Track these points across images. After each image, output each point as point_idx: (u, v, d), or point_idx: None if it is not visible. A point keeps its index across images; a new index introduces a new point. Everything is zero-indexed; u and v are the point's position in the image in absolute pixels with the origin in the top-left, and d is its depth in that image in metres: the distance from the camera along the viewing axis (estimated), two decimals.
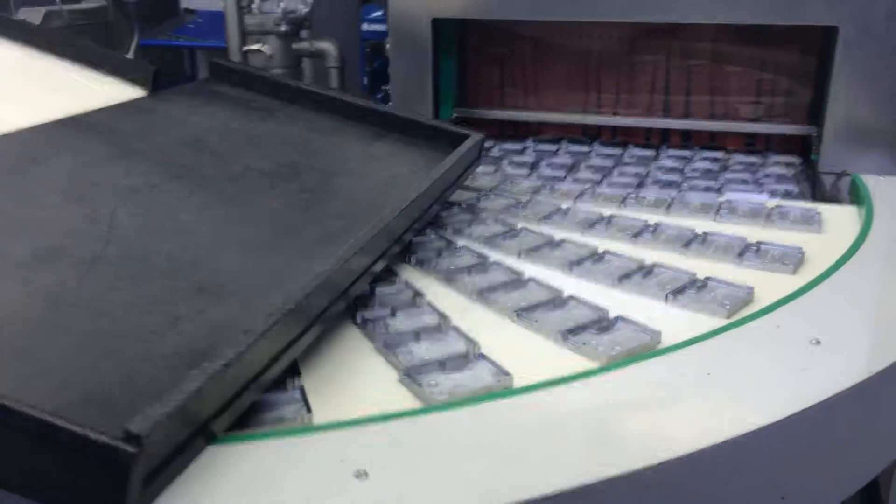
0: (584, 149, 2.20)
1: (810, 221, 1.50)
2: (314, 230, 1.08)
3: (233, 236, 1.05)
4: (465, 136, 1.52)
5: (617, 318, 1.13)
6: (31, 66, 1.40)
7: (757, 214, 1.55)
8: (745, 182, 1.87)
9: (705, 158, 2.10)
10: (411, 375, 0.97)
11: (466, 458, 0.82)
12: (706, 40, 2.12)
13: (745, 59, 2.11)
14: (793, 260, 1.32)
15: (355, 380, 0.99)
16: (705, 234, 1.45)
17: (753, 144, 2.17)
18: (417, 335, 1.07)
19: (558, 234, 1.45)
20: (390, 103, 2.09)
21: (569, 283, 1.26)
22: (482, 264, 1.32)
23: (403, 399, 0.95)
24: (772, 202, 1.62)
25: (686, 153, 2.14)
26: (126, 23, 1.89)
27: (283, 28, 2.89)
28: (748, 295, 1.20)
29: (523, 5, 1.95)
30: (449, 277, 1.26)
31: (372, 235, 1.02)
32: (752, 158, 2.08)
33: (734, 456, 0.87)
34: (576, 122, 2.27)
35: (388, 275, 1.23)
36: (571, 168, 2.01)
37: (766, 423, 0.88)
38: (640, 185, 1.83)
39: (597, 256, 1.36)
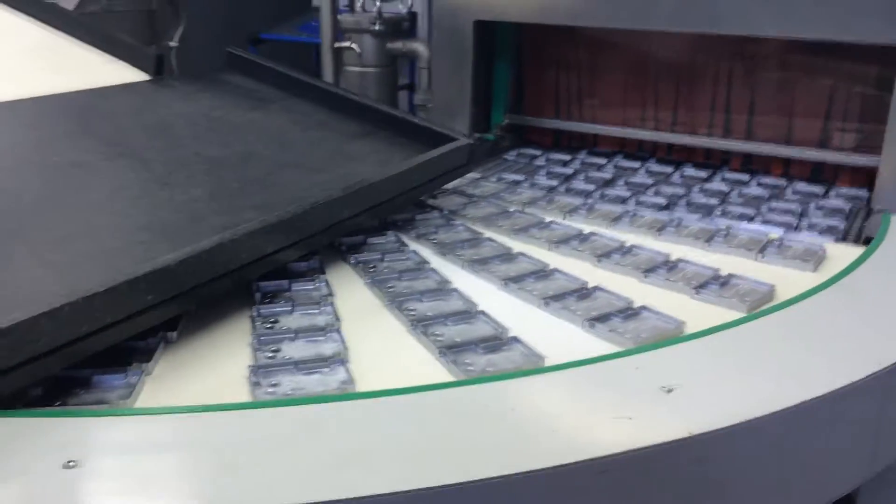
0: (635, 164, 2.09)
1: (805, 258, 1.35)
2: (220, 219, 1.09)
3: (131, 218, 1.09)
4: (452, 139, 1.48)
5: (512, 339, 1.07)
6: (48, 47, 1.51)
7: (753, 245, 1.41)
8: (789, 213, 1.71)
9: (761, 184, 1.93)
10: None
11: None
12: (774, 56, 1.95)
13: (817, 78, 1.92)
14: (753, 297, 1.20)
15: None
16: (678, 260, 1.34)
17: (820, 173, 1.96)
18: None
19: (519, 248, 1.39)
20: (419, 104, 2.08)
21: (493, 298, 1.22)
22: (418, 269, 1.29)
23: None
24: (775, 234, 1.47)
25: (743, 177, 1.98)
26: (172, 10, 1.99)
27: (377, 27, 2.95)
28: (678, 328, 1.11)
29: (565, 10, 1.88)
30: (373, 280, 1.25)
31: (251, 230, 1.02)
32: (814, 188, 1.89)
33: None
34: (629, 136, 2.16)
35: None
36: (607, 183, 1.91)
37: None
38: (668, 207, 1.72)
39: (541, 273, 1.29)
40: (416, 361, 1.04)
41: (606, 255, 1.37)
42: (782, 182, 1.93)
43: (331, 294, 1.18)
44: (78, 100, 1.34)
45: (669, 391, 0.91)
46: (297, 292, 1.18)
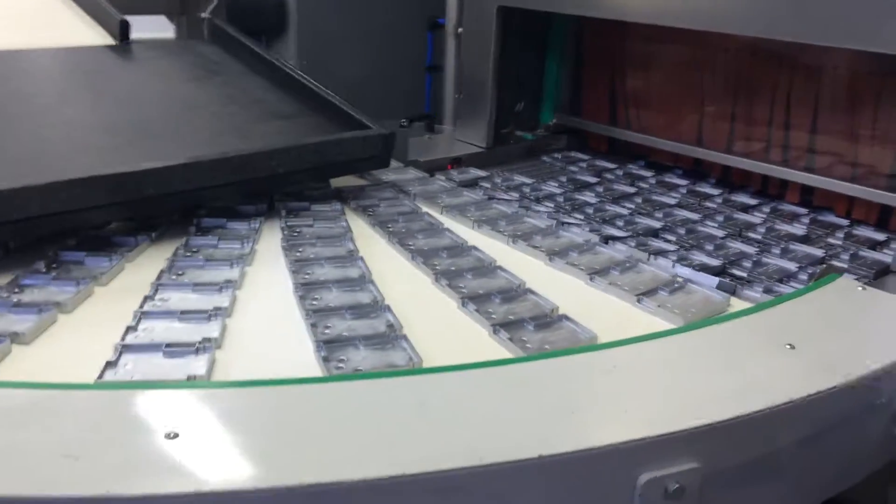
0: (681, 182, 1.80)
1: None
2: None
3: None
4: (366, 127, 1.36)
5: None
6: (40, 8, 1.59)
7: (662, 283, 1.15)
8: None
9: (810, 223, 1.57)
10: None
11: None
12: (844, 77, 1.56)
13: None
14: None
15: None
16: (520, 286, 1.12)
17: (888, 217, 1.55)
18: None
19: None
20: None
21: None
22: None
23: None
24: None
25: (798, 210, 1.64)
26: None
27: None
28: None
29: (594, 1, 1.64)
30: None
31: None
32: (877, 235, 1.50)
33: None
34: (678, 152, 1.85)
35: None
36: (616, 199, 1.67)
37: None
38: (652, 234, 1.46)
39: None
40: None
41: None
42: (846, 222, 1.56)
43: None
44: (19, 58, 1.41)
45: None
46: None
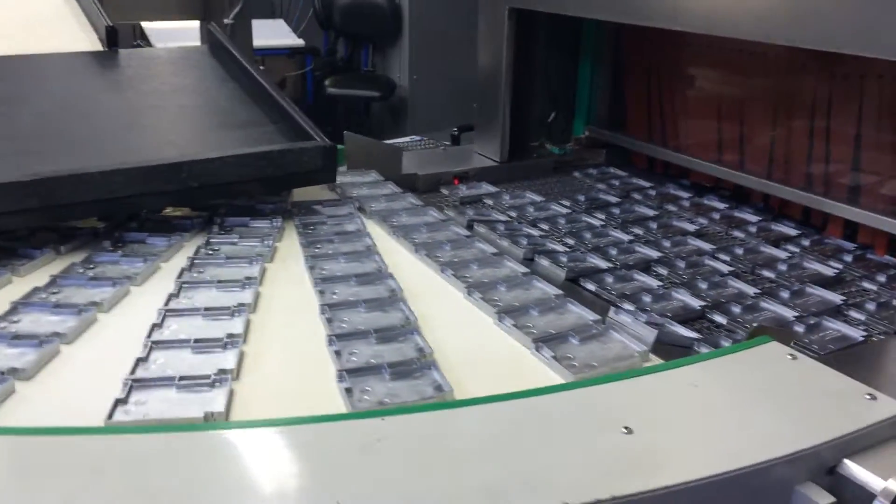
0: (719, 205, 1.56)
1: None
2: None
3: None
4: (312, 140, 1.26)
5: None
6: (47, 15, 1.60)
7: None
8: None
9: (853, 261, 1.31)
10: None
11: None
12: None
13: None
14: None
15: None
16: (405, 325, 0.95)
17: None
18: None
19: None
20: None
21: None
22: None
23: None
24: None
25: (844, 245, 1.37)
26: None
27: None
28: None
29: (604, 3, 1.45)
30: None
31: None
32: None
33: None
34: (713, 173, 1.61)
35: None
36: (628, 223, 1.47)
37: None
38: (643, 266, 1.26)
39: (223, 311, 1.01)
40: None
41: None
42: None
43: None
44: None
45: None
46: None
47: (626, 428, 0.64)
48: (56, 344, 0.90)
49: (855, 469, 0.64)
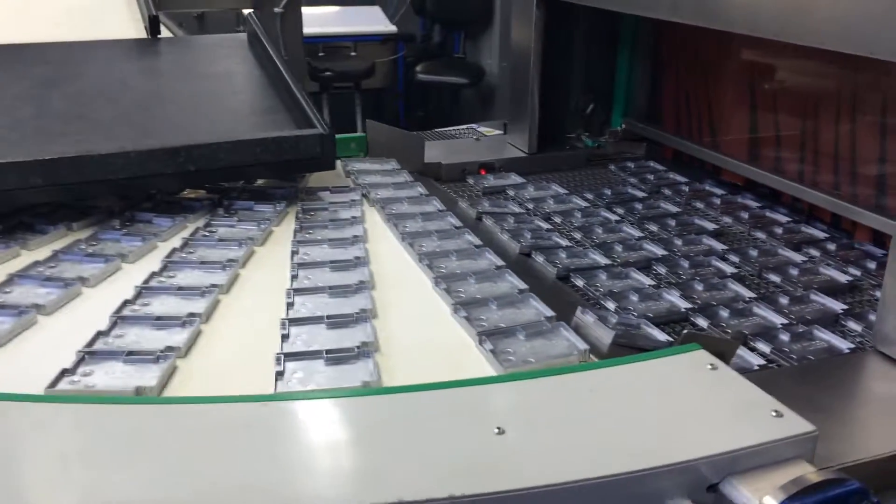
0: (752, 204, 1.51)
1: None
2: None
3: None
4: (312, 128, 1.28)
5: None
6: (103, 3, 1.69)
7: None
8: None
9: (876, 268, 1.23)
10: None
11: None
12: None
13: None
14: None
15: None
16: (361, 313, 0.96)
17: None
18: None
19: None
20: None
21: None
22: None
23: None
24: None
25: (874, 251, 1.29)
26: None
27: None
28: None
29: None
30: None
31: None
32: None
33: None
34: (745, 174, 1.53)
35: None
36: (639, 220, 1.43)
37: None
38: (644, 265, 1.24)
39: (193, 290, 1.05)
40: None
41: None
42: None
43: None
44: (37, 49, 1.51)
45: None
46: None
47: (498, 428, 0.64)
48: (33, 315, 0.96)
49: (732, 488, 0.60)
